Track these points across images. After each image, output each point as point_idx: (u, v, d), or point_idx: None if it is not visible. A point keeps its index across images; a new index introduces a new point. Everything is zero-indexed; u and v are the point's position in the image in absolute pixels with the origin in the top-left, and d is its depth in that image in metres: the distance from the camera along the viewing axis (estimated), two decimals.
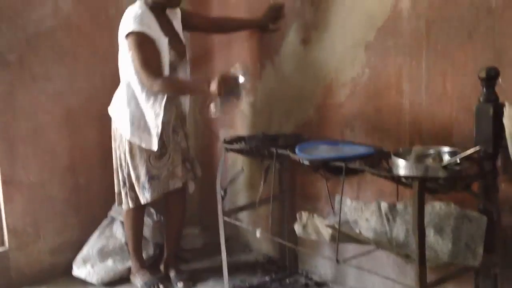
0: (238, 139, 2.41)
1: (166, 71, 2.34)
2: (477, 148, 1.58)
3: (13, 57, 2.59)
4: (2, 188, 2.61)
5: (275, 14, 2.53)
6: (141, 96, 2.37)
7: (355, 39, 2.25)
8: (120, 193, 2.52)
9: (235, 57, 2.85)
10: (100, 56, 2.67)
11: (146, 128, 2.39)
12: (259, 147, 2.21)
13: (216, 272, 2.60)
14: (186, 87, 2.45)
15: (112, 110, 2.51)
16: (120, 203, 2.54)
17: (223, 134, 2.88)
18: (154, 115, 2.36)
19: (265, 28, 2.58)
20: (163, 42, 2.32)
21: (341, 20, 2.30)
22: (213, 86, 2.17)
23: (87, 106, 2.77)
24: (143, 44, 2.27)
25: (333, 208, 2.12)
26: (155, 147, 2.39)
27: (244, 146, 2.28)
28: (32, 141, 2.68)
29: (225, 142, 2.37)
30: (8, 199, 2.62)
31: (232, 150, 2.36)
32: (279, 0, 2.54)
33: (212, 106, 2.23)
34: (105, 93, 2.60)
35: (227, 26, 2.67)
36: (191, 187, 2.66)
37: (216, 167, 2.58)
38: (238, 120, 2.89)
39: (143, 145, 2.39)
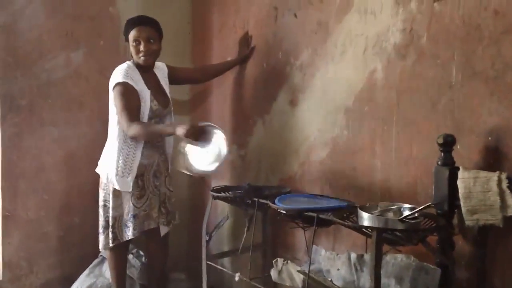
0: (226, 188, 2.60)
1: (145, 118, 2.57)
2: (428, 204, 1.76)
3: (24, 102, 2.81)
4: (2, 222, 2.76)
5: (246, 43, 2.92)
6: (121, 142, 2.59)
7: (336, 103, 2.49)
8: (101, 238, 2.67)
9: (228, 114, 3.10)
10: (103, 105, 2.81)
11: (122, 172, 2.58)
12: (243, 196, 2.40)
13: None
14: (156, 130, 2.57)
15: (100, 159, 2.73)
16: (102, 247, 2.68)
17: (214, 184, 3.06)
18: (131, 158, 2.58)
19: (243, 59, 2.95)
20: (145, 94, 2.59)
21: (325, 85, 2.55)
22: (181, 130, 2.35)
23: (87, 150, 2.94)
24: (126, 93, 2.53)
25: (309, 257, 2.28)
26: (129, 188, 2.57)
27: (229, 194, 2.47)
28: (33, 180, 2.85)
29: (213, 190, 2.56)
30: (6, 233, 2.77)
31: (218, 198, 2.54)
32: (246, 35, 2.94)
33: (182, 156, 2.40)
34: (104, 139, 2.74)
35: (211, 71, 3.03)
36: (163, 230, 2.74)
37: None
38: (229, 172, 3.10)
39: (117, 188, 2.58)
